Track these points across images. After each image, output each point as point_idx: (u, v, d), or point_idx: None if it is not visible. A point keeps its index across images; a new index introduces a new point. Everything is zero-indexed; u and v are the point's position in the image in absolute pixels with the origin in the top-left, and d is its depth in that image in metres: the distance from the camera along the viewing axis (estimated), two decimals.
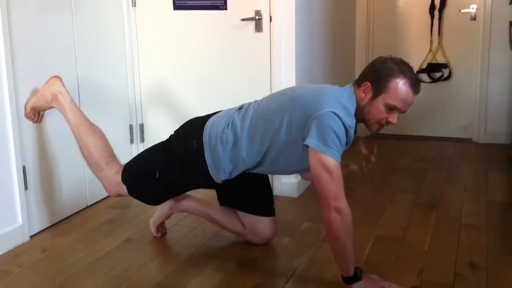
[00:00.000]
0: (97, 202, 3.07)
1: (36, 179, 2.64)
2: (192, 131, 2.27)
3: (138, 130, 3.41)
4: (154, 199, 2.42)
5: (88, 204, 3.01)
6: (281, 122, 2.07)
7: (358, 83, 2.07)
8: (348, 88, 2.08)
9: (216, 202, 2.51)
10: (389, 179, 3.46)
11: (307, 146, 1.97)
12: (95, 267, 2.31)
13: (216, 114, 2.30)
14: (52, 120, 2.72)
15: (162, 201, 2.46)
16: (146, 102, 3.38)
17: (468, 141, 4.43)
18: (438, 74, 4.50)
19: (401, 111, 2.03)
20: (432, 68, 4.49)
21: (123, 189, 2.36)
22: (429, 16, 4.46)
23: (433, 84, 4.48)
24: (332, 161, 1.93)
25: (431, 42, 4.48)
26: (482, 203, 3.03)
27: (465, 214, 2.86)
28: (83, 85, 2.89)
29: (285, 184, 3.16)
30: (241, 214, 2.44)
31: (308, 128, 1.97)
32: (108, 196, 3.15)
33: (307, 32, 3.27)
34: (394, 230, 2.59)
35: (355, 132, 2.08)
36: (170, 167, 2.27)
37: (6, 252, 2.44)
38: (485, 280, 2.14)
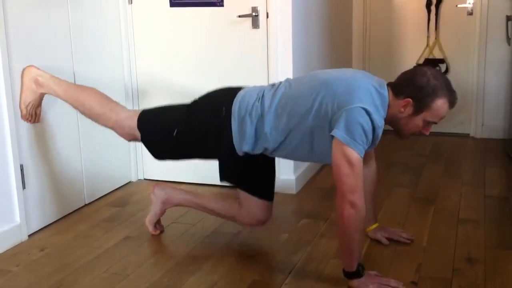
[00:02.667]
0: (95, 201, 3.06)
1: (33, 178, 2.64)
2: (222, 98, 2.27)
3: None
4: (162, 155, 2.42)
5: (86, 203, 3.01)
6: (311, 106, 2.05)
7: (395, 92, 2.05)
8: (383, 90, 2.05)
9: (207, 193, 2.48)
10: (387, 174, 3.46)
11: (332, 137, 1.96)
12: (93, 265, 2.31)
13: (248, 87, 2.29)
14: (50, 118, 2.71)
15: (169, 159, 2.48)
16: (142, 98, 3.37)
17: (465, 136, 4.44)
18: None
19: (435, 124, 2.10)
20: (429, 63, 4.48)
21: (138, 135, 2.35)
22: (426, 11, 4.46)
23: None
24: (356, 155, 1.93)
25: (428, 37, 4.48)
26: (480, 197, 3.04)
27: (462, 209, 2.87)
28: (79, 82, 2.88)
29: (283, 181, 3.16)
30: (240, 193, 2.38)
31: (337, 119, 1.96)
32: (106, 195, 3.16)
33: (304, 28, 3.26)
34: (392, 225, 2.60)
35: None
36: (190, 129, 2.26)
37: (5, 251, 2.44)
38: (482, 274, 2.15)
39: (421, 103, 2.02)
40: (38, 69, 2.51)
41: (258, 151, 2.21)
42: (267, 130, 2.14)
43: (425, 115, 2.04)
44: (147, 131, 2.35)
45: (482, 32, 4.28)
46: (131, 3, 3.27)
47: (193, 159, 2.52)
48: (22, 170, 2.55)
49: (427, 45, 4.49)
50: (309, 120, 2.06)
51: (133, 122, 2.35)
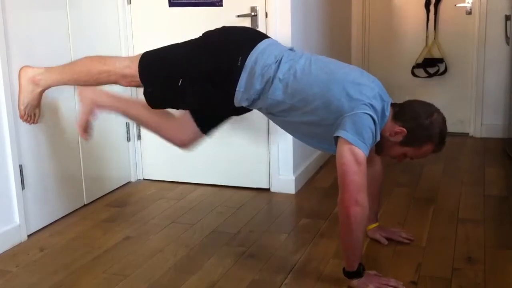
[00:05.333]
0: (94, 201, 3.06)
1: (33, 178, 2.64)
2: (241, 47, 2.15)
3: (134, 128, 3.40)
4: (163, 101, 2.31)
5: (85, 203, 3.01)
6: (321, 99, 2.02)
7: (396, 114, 2.07)
8: (387, 109, 2.05)
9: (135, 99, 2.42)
10: (386, 174, 3.42)
11: (336, 137, 1.96)
12: (93, 265, 2.31)
13: (269, 40, 2.21)
14: (49, 118, 2.71)
15: (166, 107, 2.38)
16: (142, 99, 3.36)
17: (464, 135, 4.44)
18: (434, 69, 4.50)
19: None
20: (428, 63, 4.49)
21: (137, 81, 2.25)
22: (424, 11, 4.46)
23: (429, 79, 4.48)
24: (363, 154, 1.93)
25: (427, 36, 4.48)
26: (479, 197, 3.04)
27: (462, 208, 2.87)
28: None
29: (282, 181, 3.17)
30: (186, 115, 2.34)
31: (344, 120, 1.96)
32: (106, 195, 3.15)
33: (302, 28, 3.26)
34: (392, 225, 2.60)
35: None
36: (198, 73, 2.16)
37: (4, 252, 2.44)
38: (482, 274, 2.15)
39: (412, 140, 2.07)
40: (33, 68, 2.49)
41: (253, 107, 2.18)
42: (269, 96, 2.09)
43: (409, 150, 2.10)
44: (149, 79, 2.23)
45: (481, 31, 4.28)
46: (130, 3, 3.27)
47: (188, 109, 2.38)
48: (21, 170, 2.55)
49: (426, 44, 4.49)
50: (314, 108, 2.03)
51: (134, 70, 2.23)
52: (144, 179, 3.44)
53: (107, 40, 3.17)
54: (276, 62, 2.10)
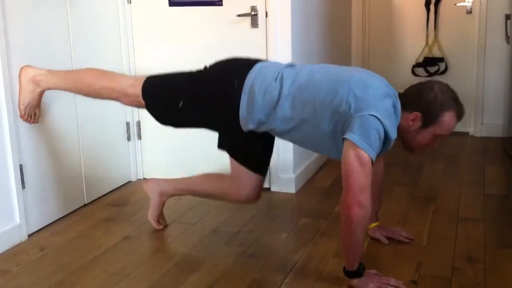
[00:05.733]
0: (94, 200, 3.06)
1: (33, 178, 2.64)
2: (235, 71, 2.22)
3: (135, 128, 3.40)
4: (167, 121, 2.38)
5: (86, 202, 3.01)
6: (330, 104, 2.02)
7: (404, 105, 2.06)
8: (397, 101, 2.05)
9: (196, 175, 2.49)
10: (386, 173, 3.43)
11: (343, 139, 1.96)
12: (93, 265, 2.31)
13: (264, 62, 2.25)
14: (49, 118, 2.71)
15: (173, 125, 2.44)
16: None
17: (465, 134, 4.44)
18: (434, 68, 4.50)
19: (443, 138, 2.12)
20: (428, 62, 4.50)
21: (140, 102, 2.32)
22: (425, 10, 4.46)
23: (429, 78, 4.46)
24: (367, 157, 1.93)
25: (427, 36, 4.49)
26: (479, 196, 3.04)
27: (462, 208, 2.87)
28: None
29: (283, 180, 3.17)
30: (234, 165, 2.33)
31: (352, 123, 1.95)
32: (106, 194, 3.15)
33: (303, 28, 3.26)
34: (392, 224, 2.60)
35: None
36: (198, 98, 2.22)
37: (4, 251, 2.44)
38: (482, 273, 2.15)
39: (429, 118, 2.05)
40: (34, 68, 2.50)
41: (263, 129, 2.19)
42: (279, 114, 2.10)
43: (434, 129, 2.07)
44: (152, 100, 2.30)
45: (481, 30, 4.28)
46: (130, 2, 3.27)
47: (196, 128, 2.45)
48: (21, 170, 2.55)
49: (426, 43, 4.49)
50: (324, 115, 2.03)
51: (137, 90, 2.30)
52: (144, 179, 3.44)
53: (107, 39, 3.17)
54: (276, 79, 2.12)
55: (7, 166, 2.47)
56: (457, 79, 4.45)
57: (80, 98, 2.88)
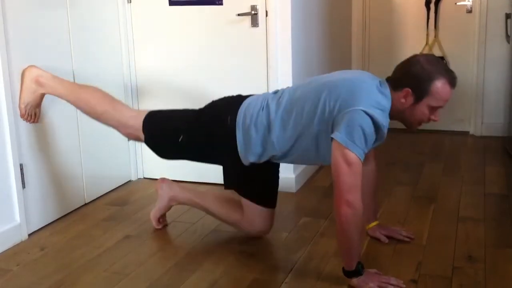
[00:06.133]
0: (95, 200, 3.06)
1: (33, 177, 2.64)
2: (228, 107, 2.27)
3: None
4: (166, 156, 2.44)
5: (86, 202, 3.01)
6: (315, 111, 2.06)
7: (394, 85, 2.06)
8: (384, 87, 2.06)
9: (213, 194, 2.52)
10: (387, 173, 3.46)
11: (332, 139, 1.97)
12: (94, 264, 2.31)
13: (252, 96, 2.30)
14: (49, 117, 2.71)
15: (174, 159, 2.48)
16: (142, 98, 3.37)
17: (465, 134, 4.43)
18: None
19: (441, 108, 2.08)
20: None
21: (139, 135, 2.36)
22: (425, 9, 4.46)
23: None
24: (354, 156, 1.93)
25: (427, 35, 4.48)
26: (480, 195, 3.04)
27: (462, 207, 2.87)
28: (79, 81, 2.88)
29: (283, 179, 3.13)
30: (244, 201, 2.40)
31: (338, 122, 1.97)
32: (106, 194, 3.15)
33: (303, 27, 3.26)
34: (392, 224, 2.60)
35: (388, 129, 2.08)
36: (196, 138, 2.28)
37: (5, 251, 2.44)
38: (482, 272, 2.15)
39: (420, 90, 2.01)
40: (39, 69, 2.51)
41: (264, 159, 2.22)
42: (274, 139, 2.15)
43: (428, 101, 2.03)
44: (152, 135, 2.35)
45: (482, 29, 4.27)
46: (130, 2, 3.26)
47: (196, 161, 2.51)
48: (22, 169, 2.55)
49: (427, 43, 4.49)
50: (314, 124, 2.07)
51: (138, 123, 2.34)
52: (145, 178, 3.44)
53: (107, 39, 3.17)
54: (262, 108, 2.17)
55: (8, 165, 2.47)
56: (458, 78, 4.44)
57: None
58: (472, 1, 4.31)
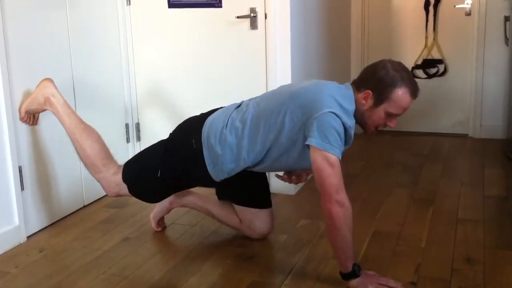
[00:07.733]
0: (93, 202, 3.06)
1: (32, 179, 2.64)
2: (191, 130, 2.27)
3: (134, 129, 3.40)
4: (155, 197, 2.41)
5: (85, 204, 3.01)
6: (283, 122, 2.08)
7: (357, 86, 2.08)
8: (347, 89, 2.09)
9: (215, 197, 2.53)
10: (386, 175, 3.46)
11: (308, 146, 1.98)
12: (92, 266, 2.31)
13: (214, 113, 2.29)
14: (48, 120, 2.71)
15: (163, 198, 2.46)
16: (142, 100, 3.37)
17: (464, 136, 4.44)
18: (433, 70, 4.50)
19: (399, 116, 2.09)
20: (428, 64, 4.50)
21: (123, 189, 2.35)
22: (424, 12, 4.46)
23: (429, 80, 4.48)
24: (334, 157, 1.95)
25: (426, 38, 4.49)
26: (479, 197, 3.04)
27: (461, 209, 2.87)
28: (78, 84, 2.89)
29: (282, 182, 3.15)
30: (238, 208, 2.44)
31: (309, 128, 1.98)
32: (105, 196, 3.15)
33: (302, 29, 3.26)
34: (391, 226, 2.60)
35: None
36: (171, 166, 2.27)
37: (3, 253, 2.44)
38: (481, 274, 2.15)
39: (380, 95, 2.03)
40: (55, 88, 2.50)
41: (237, 172, 2.22)
42: (245, 154, 2.15)
43: (386, 107, 2.05)
44: (132, 181, 2.33)
45: (480, 32, 4.28)
46: (129, 4, 3.27)
47: (189, 189, 2.51)
48: (20, 171, 2.55)
49: (426, 45, 4.49)
50: (283, 135, 2.08)
51: (118, 177, 2.34)
52: None
53: (107, 41, 3.17)
54: (226, 126, 2.17)
55: (6, 167, 2.47)
56: (456, 81, 4.46)
57: (78, 100, 2.89)
58: (471, 4, 4.32)
